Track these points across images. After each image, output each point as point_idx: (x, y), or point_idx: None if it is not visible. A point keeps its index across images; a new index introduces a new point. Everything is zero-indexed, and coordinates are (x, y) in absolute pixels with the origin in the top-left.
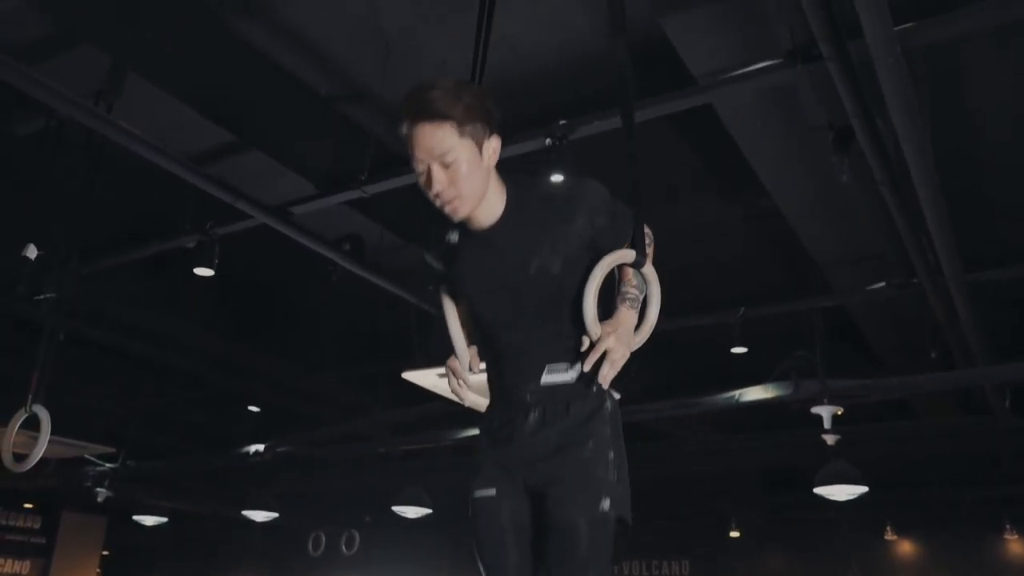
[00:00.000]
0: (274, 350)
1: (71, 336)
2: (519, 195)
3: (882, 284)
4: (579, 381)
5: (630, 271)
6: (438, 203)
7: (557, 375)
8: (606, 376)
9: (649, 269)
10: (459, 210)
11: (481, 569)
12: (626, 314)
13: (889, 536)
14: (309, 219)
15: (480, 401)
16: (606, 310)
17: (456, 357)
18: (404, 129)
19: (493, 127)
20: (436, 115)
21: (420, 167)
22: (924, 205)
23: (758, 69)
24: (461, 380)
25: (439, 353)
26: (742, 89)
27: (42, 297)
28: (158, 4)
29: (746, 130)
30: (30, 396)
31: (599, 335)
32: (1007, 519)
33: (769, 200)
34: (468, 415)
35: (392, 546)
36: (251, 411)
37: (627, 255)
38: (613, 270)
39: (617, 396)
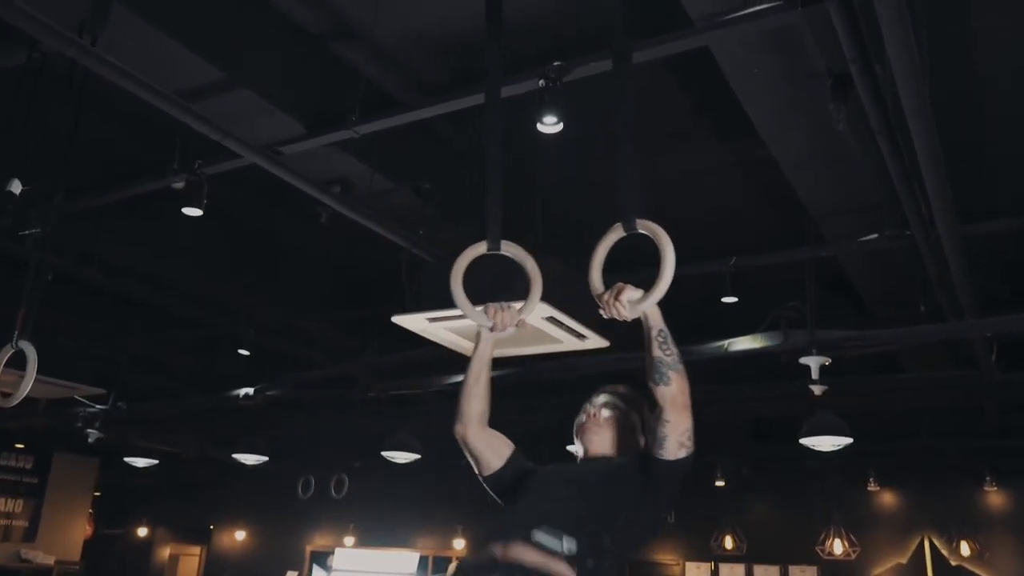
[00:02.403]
0: (264, 293)
1: (59, 275)
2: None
3: (875, 236)
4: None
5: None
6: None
7: None
8: (621, 310)
9: (648, 226)
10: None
11: None
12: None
13: (872, 487)
14: (299, 160)
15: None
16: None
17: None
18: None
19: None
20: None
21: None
22: (920, 155)
23: (757, 11)
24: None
25: (429, 298)
26: (740, 32)
27: (27, 233)
28: None
29: (743, 76)
30: (16, 332)
31: (602, 289)
32: (988, 471)
33: (764, 148)
34: (458, 361)
35: (381, 491)
36: (241, 354)
37: (616, 230)
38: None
39: None
